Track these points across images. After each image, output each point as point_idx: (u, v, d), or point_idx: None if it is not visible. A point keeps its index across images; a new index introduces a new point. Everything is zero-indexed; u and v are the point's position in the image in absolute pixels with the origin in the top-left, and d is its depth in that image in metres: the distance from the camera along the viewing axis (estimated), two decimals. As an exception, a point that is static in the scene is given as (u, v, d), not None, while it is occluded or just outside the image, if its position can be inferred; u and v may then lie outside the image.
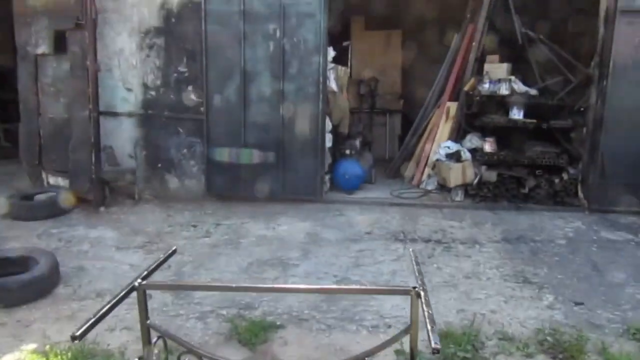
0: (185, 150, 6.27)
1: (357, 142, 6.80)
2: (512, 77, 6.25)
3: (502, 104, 6.42)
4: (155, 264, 1.98)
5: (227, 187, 6.23)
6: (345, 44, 9.14)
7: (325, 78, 6.04)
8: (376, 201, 6.40)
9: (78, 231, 5.17)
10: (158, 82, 6.16)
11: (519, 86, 6.20)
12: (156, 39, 6.07)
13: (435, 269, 4.46)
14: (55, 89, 6.04)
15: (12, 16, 6.10)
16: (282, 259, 4.66)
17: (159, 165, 6.31)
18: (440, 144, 6.60)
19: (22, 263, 3.97)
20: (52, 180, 6.19)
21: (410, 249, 2.33)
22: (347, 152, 6.58)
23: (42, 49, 5.95)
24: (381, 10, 9.19)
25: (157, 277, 4.20)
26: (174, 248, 2.24)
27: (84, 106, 5.63)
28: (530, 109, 6.23)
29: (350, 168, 6.43)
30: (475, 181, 6.22)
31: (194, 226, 5.46)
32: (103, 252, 4.69)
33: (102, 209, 5.79)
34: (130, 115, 6.25)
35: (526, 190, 6.12)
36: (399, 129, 9.37)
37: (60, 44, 5.90)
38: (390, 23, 9.43)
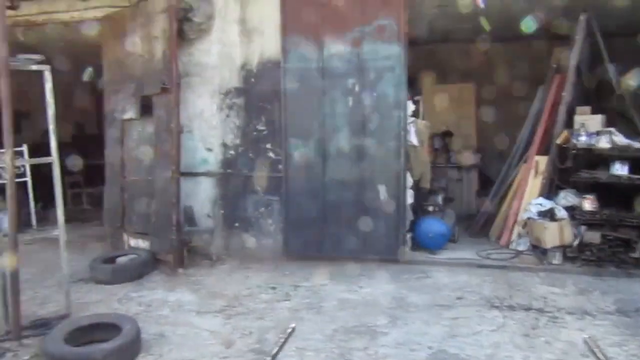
0: (262, 209, 6.15)
1: (440, 198, 6.43)
2: (612, 129, 5.74)
3: (599, 158, 5.89)
4: (277, 348, 1.70)
5: (305, 246, 6.00)
6: (416, 98, 9.00)
7: (406, 132, 5.82)
8: (463, 262, 5.92)
9: (157, 295, 5.06)
10: (237, 142, 6.18)
11: (621, 139, 5.67)
12: (236, 99, 6.15)
13: (544, 343, 3.92)
14: (138, 152, 6.19)
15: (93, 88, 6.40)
16: (369, 326, 4.29)
17: (237, 224, 6.21)
18: (531, 201, 6.10)
19: (105, 330, 3.85)
20: (132, 242, 6.22)
21: (585, 336, 1.92)
22: (430, 208, 6.22)
23: (129, 114, 6.16)
24: (452, 64, 9.03)
25: (239, 344, 4.00)
26: (292, 326, 1.96)
27: (167, 168, 5.70)
28: (634, 163, 5.66)
29: (434, 226, 6.04)
30: (576, 243, 5.63)
31: (273, 288, 5.22)
32: (183, 317, 4.52)
33: (180, 270, 5.70)
34: (209, 175, 6.27)
35: (637, 255, 5.45)
36: (476, 184, 8.93)
37: (144, 109, 6.09)
38: (462, 76, 9.21)
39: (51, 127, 4.57)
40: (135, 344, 3.75)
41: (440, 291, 5.10)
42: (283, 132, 5.97)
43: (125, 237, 6.28)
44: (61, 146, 8.14)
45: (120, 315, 4.10)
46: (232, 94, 6.17)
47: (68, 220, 8.64)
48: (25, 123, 11.76)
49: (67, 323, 3.96)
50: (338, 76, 5.84)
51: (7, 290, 4.25)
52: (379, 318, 4.45)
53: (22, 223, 8.10)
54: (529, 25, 6.81)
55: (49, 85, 4.49)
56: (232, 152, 6.22)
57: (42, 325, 4.29)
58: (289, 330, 1.88)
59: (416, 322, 4.37)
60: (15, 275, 3.97)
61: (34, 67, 4.41)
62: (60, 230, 4.53)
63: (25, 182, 7.80)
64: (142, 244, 6.08)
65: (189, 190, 6.11)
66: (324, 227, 5.93)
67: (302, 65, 5.90)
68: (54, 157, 4.55)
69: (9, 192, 3.99)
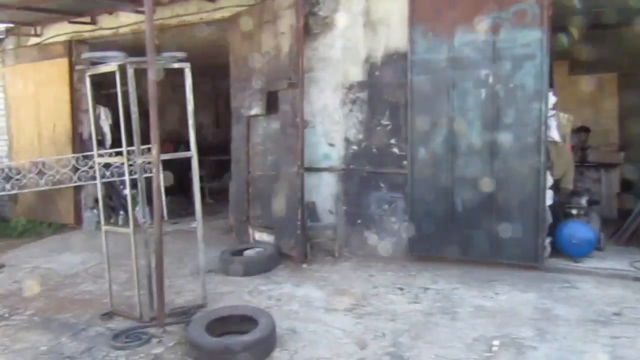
0: (386, 206, 5.95)
1: (584, 201, 5.77)
2: None
3: None
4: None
5: (430, 246, 5.69)
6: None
7: (547, 126, 5.28)
8: (614, 273, 5.24)
9: (285, 289, 5.06)
10: (360, 137, 6.03)
11: None
12: (359, 93, 6.00)
13: None
14: (263, 147, 6.28)
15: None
16: (513, 337, 3.90)
17: (359, 221, 6.07)
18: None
19: (242, 322, 3.88)
20: (257, 235, 6.33)
21: None
22: (574, 211, 5.59)
23: (255, 110, 6.27)
24: (589, 53, 8.13)
25: (373, 346, 3.82)
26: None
27: (292, 163, 5.70)
28: None
29: (580, 231, 5.41)
30: None
31: (400, 289, 4.99)
32: (312, 313, 4.45)
33: (304, 265, 5.68)
34: (331, 170, 6.19)
35: None
36: (617, 185, 7.96)
37: (269, 105, 6.15)
38: (601, 66, 8.27)
39: (190, 122, 4.73)
40: (271, 338, 3.73)
41: (591, 305, 4.53)
42: (409, 126, 5.71)
43: (250, 230, 6.41)
44: (183, 144, 8.55)
45: (256, 309, 4.11)
46: (355, 88, 6.03)
47: (194, 213, 9.19)
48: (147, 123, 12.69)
49: (207, 313, 4.05)
50: (470, 66, 5.45)
51: (152, 279, 4.48)
52: (523, 330, 4.05)
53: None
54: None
55: (189, 82, 4.65)
56: (354, 147, 6.08)
57: (182, 314, 4.46)
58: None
59: (568, 337, 3.90)
60: (160, 265, 4.15)
61: (175, 65, 4.58)
62: (198, 223, 4.68)
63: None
64: (267, 237, 6.16)
65: (311, 185, 6.08)
66: (452, 227, 5.58)
67: (430, 56, 5.59)
68: (193, 152, 4.70)
69: (155, 184, 4.17)
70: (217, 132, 14.14)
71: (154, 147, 4.09)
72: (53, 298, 5.18)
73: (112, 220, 8.23)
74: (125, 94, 4.48)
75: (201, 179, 11.10)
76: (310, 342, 3.88)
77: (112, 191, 8.48)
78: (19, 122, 8.79)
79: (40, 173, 8.05)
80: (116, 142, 9.06)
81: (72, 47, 8.13)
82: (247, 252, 5.79)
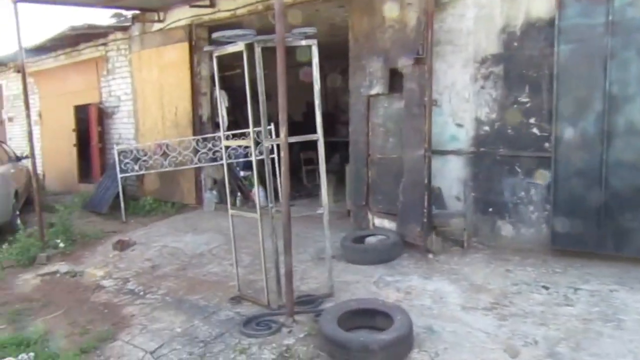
0: (522, 193, 5.35)
1: None
2: None
3: None
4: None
5: (577, 240, 5.01)
6: None
7: None
8: None
9: (413, 281, 4.73)
10: (493, 116, 5.45)
11: None
12: (494, 67, 5.40)
13: None
14: (384, 129, 5.94)
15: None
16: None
17: (490, 209, 5.53)
18: None
19: (375, 317, 3.63)
20: (377, 221, 6.05)
21: None
22: None
23: (377, 89, 5.93)
24: None
25: (526, 355, 3.37)
26: None
27: (417, 145, 5.31)
28: None
29: None
30: None
31: (546, 288, 4.43)
32: (448, 310, 4.07)
33: (430, 256, 5.30)
34: (458, 153, 5.70)
35: None
36: None
37: (392, 83, 5.78)
38: None
39: (317, 102, 4.51)
40: (409, 338, 3.43)
41: None
42: (553, 103, 5.03)
43: (369, 216, 6.14)
44: (294, 125, 8.43)
45: (391, 304, 3.83)
46: (489, 62, 5.44)
47: (306, 195, 9.12)
48: (268, 104, 12.86)
49: (338, 305, 3.85)
50: (633, 31, 4.63)
51: (279, 264, 4.37)
52: None
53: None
54: None
55: (315, 60, 4.42)
56: (486, 128, 5.52)
57: (308, 303, 4.32)
58: None
59: None
60: (289, 251, 4.00)
61: (303, 43, 4.36)
62: (324, 209, 4.48)
63: (272, 160, 8.34)
64: (388, 224, 5.85)
65: (435, 169, 5.62)
66: (604, 219, 4.85)
67: (583, 21, 4.84)
68: (319, 134, 4.49)
69: (283, 168, 4.01)
70: (329, 112, 14.06)
71: (282, 129, 3.91)
72: (182, 278, 5.32)
73: (230, 202, 8.41)
74: (242, 76, 4.36)
75: (311, 161, 11.11)
76: (451, 344, 3.53)
77: (230, 173, 8.64)
78: (144, 106, 9.25)
79: (164, 155, 8.41)
80: (231, 125, 9.22)
81: (192, 31, 8.32)
82: (369, 240, 5.53)
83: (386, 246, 5.27)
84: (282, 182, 4.01)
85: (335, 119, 14.20)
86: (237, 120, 9.69)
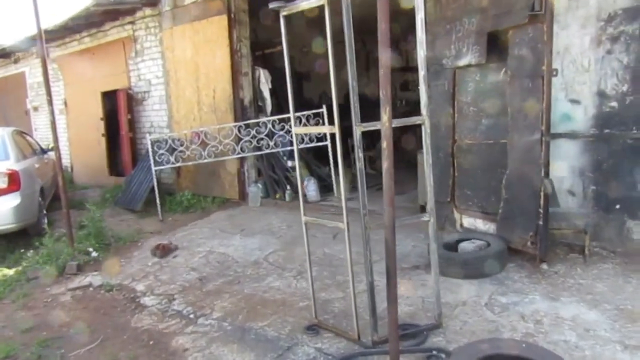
0: (664, 187, 4.22)
1: None
2: None
3: None
4: None
5: None
6: None
7: None
8: None
9: (537, 303, 3.68)
10: (624, 88, 4.30)
11: None
12: (625, 25, 4.24)
13: None
14: (476, 108, 4.85)
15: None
16: None
17: (617, 206, 4.42)
18: None
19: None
20: (466, 222, 5.01)
21: None
22: None
23: (467, 59, 4.82)
24: None
25: None
26: None
27: (530, 128, 4.21)
28: None
29: None
30: None
31: None
32: (607, 352, 3.02)
33: (544, 266, 4.24)
34: (573, 136, 4.58)
35: None
36: None
37: (490, 50, 4.67)
38: None
39: (422, 74, 3.46)
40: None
41: None
42: None
43: (456, 214, 5.10)
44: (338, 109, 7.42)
45: (542, 350, 2.79)
46: (618, 19, 4.27)
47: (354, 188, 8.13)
48: (307, 85, 11.81)
49: (465, 350, 2.82)
50: None
51: (374, 286, 3.38)
52: None
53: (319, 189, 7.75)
54: None
55: (420, 16, 3.36)
56: (613, 104, 4.37)
57: (411, 336, 3.32)
58: None
59: None
60: (393, 271, 2.98)
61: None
62: (431, 216, 3.45)
63: (324, 147, 7.34)
64: (482, 225, 4.81)
65: (542, 157, 4.52)
66: None
67: None
68: (425, 117, 3.46)
69: (386, 163, 2.97)
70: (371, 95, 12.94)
71: (385, 111, 2.88)
72: (239, 295, 4.38)
73: (277, 196, 7.46)
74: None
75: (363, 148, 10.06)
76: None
77: (275, 163, 7.68)
78: (177, 90, 8.32)
79: (202, 144, 7.49)
80: (275, 109, 8.22)
81: (230, 2, 7.30)
82: (464, 246, 4.49)
83: (491, 255, 4.22)
84: (385, 181, 2.98)
85: (377, 101, 13.09)
86: (280, 104, 8.68)
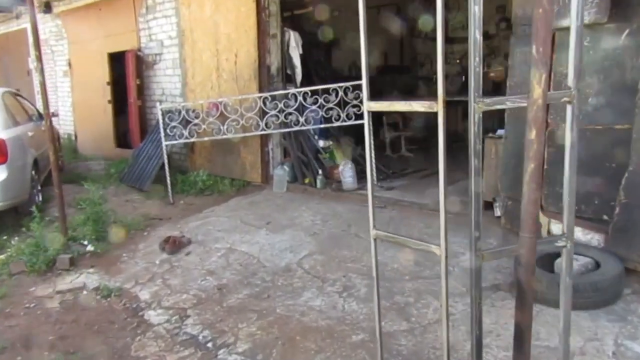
0: None
1: None
2: None
3: None
4: None
5: None
6: None
7: None
8: None
9: (691, 358, 2.66)
10: None
11: None
12: None
13: None
14: (584, 84, 3.72)
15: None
16: None
17: None
18: None
19: None
20: (556, 228, 3.96)
21: None
22: None
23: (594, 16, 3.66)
24: None
25: None
26: None
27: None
28: None
29: None
30: None
31: None
32: None
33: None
34: None
35: None
36: None
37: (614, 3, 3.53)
38: None
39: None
40: None
41: None
42: None
43: (542, 217, 4.05)
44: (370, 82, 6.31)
45: None
46: None
47: (400, 174, 7.04)
48: (336, 54, 10.63)
49: None
50: None
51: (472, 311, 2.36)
52: None
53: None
54: None
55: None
56: None
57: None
58: None
59: None
60: (528, 323, 1.96)
61: None
62: (568, 239, 2.40)
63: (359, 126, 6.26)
64: (582, 235, 3.76)
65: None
66: None
67: None
68: (573, 91, 2.37)
69: (532, 164, 1.91)
70: (404, 65, 11.75)
71: (540, 79, 1.82)
72: (269, 315, 3.41)
73: (306, 181, 6.43)
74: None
75: (396, 125, 8.96)
76: None
77: (305, 143, 6.63)
78: (194, 53, 7.23)
79: (221, 117, 6.44)
80: (305, 77, 7.14)
81: (259, -53, 6.16)
82: (560, 262, 3.44)
83: (607, 279, 3.18)
84: (527, 194, 1.92)
85: (412, 74, 11.91)
86: (309, 73, 7.57)
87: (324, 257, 4.29)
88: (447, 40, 11.36)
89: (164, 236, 4.98)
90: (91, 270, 4.44)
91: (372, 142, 6.26)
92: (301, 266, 4.15)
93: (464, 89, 10.92)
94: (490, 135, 4.90)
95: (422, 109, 2.15)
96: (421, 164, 7.76)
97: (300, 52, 6.80)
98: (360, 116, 6.12)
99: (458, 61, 11.18)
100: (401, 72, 11.38)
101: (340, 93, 6.08)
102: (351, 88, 6.12)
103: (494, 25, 10.54)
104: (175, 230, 5.29)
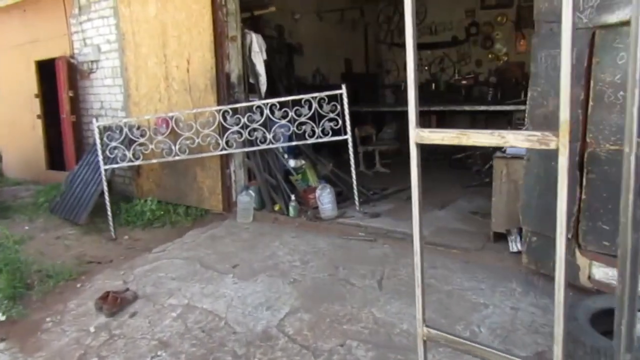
0: None
1: None
2: None
3: None
4: None
5: None
6: None
7: None
8: None
9: None
10: None
11: None
12: None
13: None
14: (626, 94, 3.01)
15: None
16: None
17: None
18: None
19: None
20: (599, 273, 3.22)
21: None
22: None
23: (626, 11, 2.95)
24: None
25: None
26: None
27: None
28: None
29: None
30: None
31: None
32: None
33: None
34: None
35: None
36: None
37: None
38: None
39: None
40: None
41: None
42: None
43: (580, 259, 3.29)
44: (330, 88, 5.63)
45: None
46: None
47: (381, 194, 6.20)
48: (299, 60, 9.73)
49: None
50: None
51: None
52: None
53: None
54: None
55: None
56: None
57: None
58: None
59: None
60: None
61: None
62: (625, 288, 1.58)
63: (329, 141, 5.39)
64: None
65: None
66: None
67: None
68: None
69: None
70: (370, 73, 11.02)
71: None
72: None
73: (276, 207, 5.49)
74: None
75: (369, 139, 8.15)
76: None
77: (273, 163, 5.69)
78: (137, 59, 6.15)
79: (173, 134, 5.42)
80: (269, 87, 6.24)
81: None
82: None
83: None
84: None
85: (377, 82, 11.21)
86: (273, 81, 6.65)
87: (311, 315, 3.37)
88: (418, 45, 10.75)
89: (102, 289, 3.92)
90: (0, 346, 3.33)
91: (354, 161, 5.41)
92: (283, 330, 3.21)
93: (433, 97, 10.33)
94: (500, 154, 4.15)
95: (526, 145, 1.30)
96: (401, 181, 6.99)
97: (265, 57, 5.88)
98: (337, 131, 5.28)
99: (427, 68, 10.57)
100: (366, 80, 10.64)
101: (315, 105, 5.20)
102: (327, 99, 5.26)
103: (464, 30, 10.00)
104: (117, 278, 4.22)
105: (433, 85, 10.30)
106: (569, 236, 3.31)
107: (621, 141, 3.04)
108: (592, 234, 3.24)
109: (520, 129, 6.92)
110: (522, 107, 7.07)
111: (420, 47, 10.57)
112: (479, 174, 6.56)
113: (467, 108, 8.04)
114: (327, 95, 5.26)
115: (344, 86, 5.28)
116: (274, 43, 8.01)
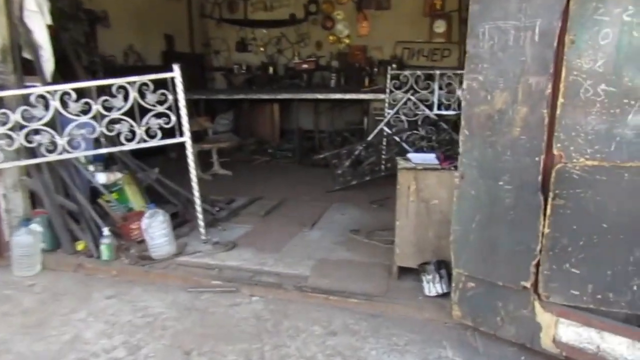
0: None
1: None
2: None
3: None
4: None
5: None
6: None
7: None
8: None
9: None
10: None
11: None
12: None
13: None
14: (617, 88, 2.11)
15: None
16: None
17: None
18: None
19: None
20: (568, 333, 2.34)
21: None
22: None
23: None
24: None
25: None
26: None
27: None
28: None
29: None
30: None
31: None
32: None
33: None
34: None
35: None
36: None
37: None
38: None
39: None
40: None
41: None
42: None
43: (540, 315, 2.38)
44: (149, 70, 4.17)
45: None
46: None
47: (221, 213, 4.63)
48: (105, 35, 7.48)
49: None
50: None
51: None
52: None
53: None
54: None
55: None
56: None
57: None
58: None
59: None
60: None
61: None
62: None
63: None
64: (623, 348, 2.20)
65: None
66: None
67: None
68: None
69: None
70: (195, 53, 9.22)
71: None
72: None
73: (79, 247, 3.68)
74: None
75: (199, 136, 6.56)
76: None
77: (72, 179, 3.82)
78: None
79: None
80: (61, 67, 4.34)
81: None
82: None
83: None
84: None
85: (205, 64, 9.59)
86: (65, 59, 4.66)
87: None
88: (245, 23, 9.35)
89: None
90: None
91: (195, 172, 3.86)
92: None
93: (272, 83, 9.14)
94: (404, 162, 3.10)
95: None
96: (248, 186, 5.67)
97: (49, 22, 3.92)
98: (170, 131, 3.71)
99: (262, 49, 9.30)
100: (193, 61, 8.93)
101: (133, 93, 3.53)
102: (151, 85, 3.63)
103: (302, 8, 8.94)
104: None
105: (271, 68, 9.08)
106: (527, 285, 2.39)
107: (602, 154, 2.18)
108: (557, 281, 2.35)
109: (379, 122, 6.12)
110: (381, 96, 6.30)
111: (254, 24, 9.27)
112: (344, 177, 5.57)
113: (320, 96, 7.03)
114: (151, 80, 3.61)
115: (176, 67, 3.70)
116: (66, 6, 5.89)
